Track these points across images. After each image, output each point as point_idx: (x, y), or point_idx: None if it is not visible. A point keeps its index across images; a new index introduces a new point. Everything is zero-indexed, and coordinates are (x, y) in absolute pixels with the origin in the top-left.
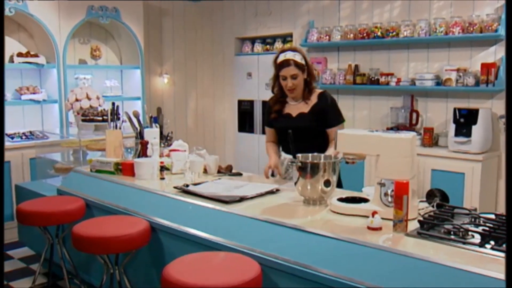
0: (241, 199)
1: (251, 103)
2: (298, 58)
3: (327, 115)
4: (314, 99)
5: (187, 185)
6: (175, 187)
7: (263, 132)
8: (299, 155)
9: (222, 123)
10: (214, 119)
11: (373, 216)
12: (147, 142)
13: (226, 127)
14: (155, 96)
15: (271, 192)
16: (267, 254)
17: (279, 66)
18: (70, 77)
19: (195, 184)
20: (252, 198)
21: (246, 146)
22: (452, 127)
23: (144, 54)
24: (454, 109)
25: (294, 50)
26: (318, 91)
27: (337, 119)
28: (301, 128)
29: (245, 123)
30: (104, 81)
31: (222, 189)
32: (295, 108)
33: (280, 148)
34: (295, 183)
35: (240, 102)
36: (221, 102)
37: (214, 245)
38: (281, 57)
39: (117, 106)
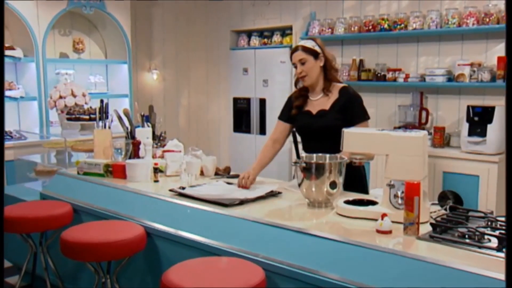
0: (242, 202)
1: (247, 101)
2: (308, 44)
3: (349, 111)
4: (335, 94)
5: (183, 188)
6: (170, 190)
7: (261, 133)
8: (303, 155)
9: (217, 123)
10: (208, 118)
11: (382, 218)
12: (139, 142)
13: (220, 126)
14: (144, 93)
15: (272, 195)
16: (271, 259)
17: (291, 55)
18: (50, 72)
19: (192, 187)
20: (253, 200)
21: (242, 147)
22: (465, 126)
23: (132, 47)
24: (468, 107)
25: (307, 39)
26: (340, 85)
27: (360, 116)
28: (322, 127)
29: (241, 122)
30: (88, 76)
31: (221, 191)
32: (316, 104)
33: (300, 147)
34: (299, 185)
35: (235, 100)
36: (215, 100)
37: (214, 250)
38: (293, 48)
39: (106, 104)
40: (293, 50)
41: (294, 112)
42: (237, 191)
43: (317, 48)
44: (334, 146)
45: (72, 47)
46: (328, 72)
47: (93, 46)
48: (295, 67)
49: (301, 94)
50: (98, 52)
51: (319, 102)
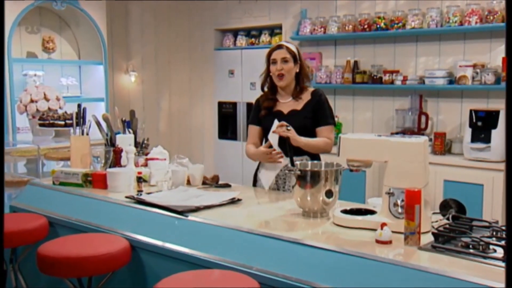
0: (197, 208)
1: (233, 105)
2: (292, 47)
3: (318, 113)
4: (307, 96)
5: (140, 194)
6: (126, 197)
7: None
8: (298, 162)
9: (200, 129)
10: (191, 124)
11: (382, 228)
12: (121, 150)
13: (204, 133)
14: (121, 96)
15: (232, 202)
16: (266, 271)
17: (271, 51)
18: (17, 74)
19: (149, 193)
20: (209, 207)
21: (227, 155)
22: (468, 132)
23: (107, 47)
24: (470, 111)
25: (289, 42)
26: (311, 89)
27: (327, 119)
28: (293, 127)
29: (227, 128)
30: (59, 78)
31: (179, 198)
32: (286, 105)
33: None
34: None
35: (220, 105)
36: (198, 104)
37: (204, 263)
38: (274, 45)
39: (84, 109)
40: (276, 47)
41: (264, 113)
42: (195, 198)
43: (297, 54)
44: (302, 149)
45: (42, 46)
46: (301, 79)
47: (64, 45)
48: (274, 63)
49: (269, 98)
50: (70, 52)
51: (290, 104)
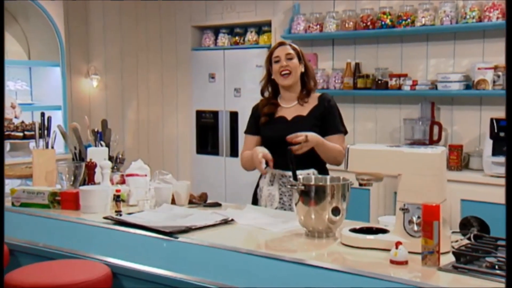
0: (188, 229)
1: (214, 114)
2: (294, 44)
3: (326, 120)
4: (313, 101)
5: (120, 214)
6: (105, 218)
7: (232, 154)
8: (301, 176)
9: (175, 142)
10: (163, 136)
11: (396, 247)
12: (95, 165)
13: (180, 146)
14: (80, 103)
15: (225, 222)
16: None
17: (272, 51)
18: None
19: (130, 213)
20: (201, 228)
21: (208, 173)
22: (488, 144)
23: (65, 46)
24: (491, 120)
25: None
26: (317, 94)
27: (337, 127)
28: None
29: (207, 141)
30: (6, 82)
31: (164, 218)
32: (290, 111)
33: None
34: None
35: (199, 114)
36: (172, 113)
37: None
38: (275, 44)
39: (49, 118)
40: (279, 44)
41: (264, 120)
42: (182, 219)
43: (300, 52)
44: (309, 160)
45: None
46: (308, 81)
47: (11, 43)
48: (277, 61)
49: (270, 102)
50: (18, 51)
51: (294, 109)
